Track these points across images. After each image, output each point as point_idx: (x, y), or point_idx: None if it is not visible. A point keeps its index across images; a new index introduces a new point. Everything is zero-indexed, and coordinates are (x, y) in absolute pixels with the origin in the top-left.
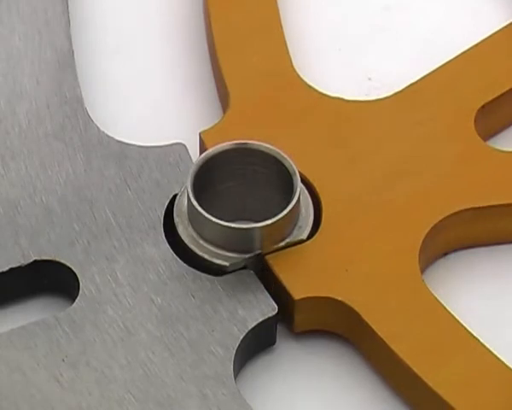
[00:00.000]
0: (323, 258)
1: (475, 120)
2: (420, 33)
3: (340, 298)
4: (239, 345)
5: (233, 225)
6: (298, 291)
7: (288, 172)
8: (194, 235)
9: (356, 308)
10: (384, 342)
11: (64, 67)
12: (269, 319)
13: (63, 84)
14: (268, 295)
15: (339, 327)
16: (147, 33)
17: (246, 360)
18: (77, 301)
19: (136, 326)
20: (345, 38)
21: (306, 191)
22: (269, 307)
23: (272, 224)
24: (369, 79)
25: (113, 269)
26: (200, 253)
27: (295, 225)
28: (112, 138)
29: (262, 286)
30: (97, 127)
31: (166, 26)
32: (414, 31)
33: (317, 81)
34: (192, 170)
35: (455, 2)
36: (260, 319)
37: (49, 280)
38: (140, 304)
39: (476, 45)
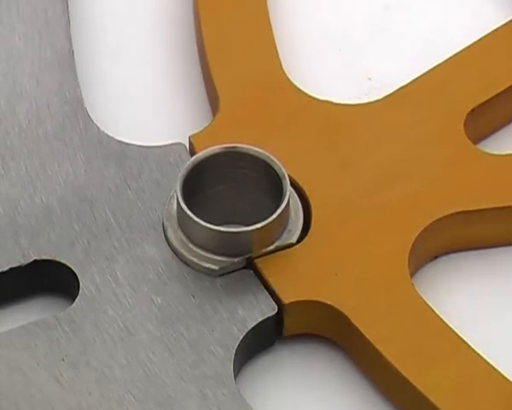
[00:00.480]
0: (313, 262)
1: (465, 124)
2: (420, 33)
3: (329, 302)
4: (239, 345)
5: (222, 228)
6: (287, 295)
7: (278, 175)
8: (184, 238)
9: (345, 312)
10: (373, 345)
11: (64, 67)
12: (268, 319)
13: (63, 84)
14: (268, 295)
15: (328, 331)
16: (146, 34)
17: (246, 360)
18: (77, 300)
19: (136, 326)
20: (345, 38)
21: (296, 195)
22: (269, 307)
23: (262, 228)
24: (369, 79)
25: (113, 269)
26: (189, 256)
27: (285, 228)
28: (112, 138)
29: (262, 286)
30: (97, 127)
31: (162, 30)
32: (414, 31)
33: (316, 81)
34: (181, 174)
35: (455, 2)
36: (260, 319)
37: (49, 280)
38: (140, 304)
39: (465, 49)
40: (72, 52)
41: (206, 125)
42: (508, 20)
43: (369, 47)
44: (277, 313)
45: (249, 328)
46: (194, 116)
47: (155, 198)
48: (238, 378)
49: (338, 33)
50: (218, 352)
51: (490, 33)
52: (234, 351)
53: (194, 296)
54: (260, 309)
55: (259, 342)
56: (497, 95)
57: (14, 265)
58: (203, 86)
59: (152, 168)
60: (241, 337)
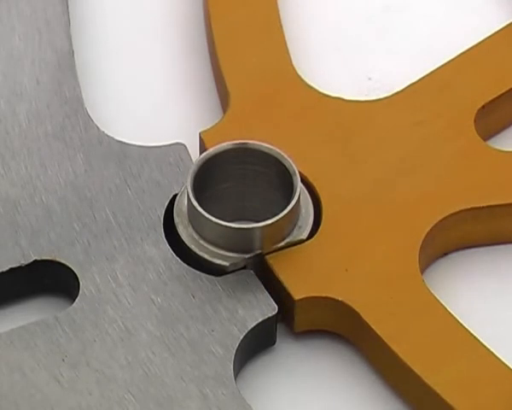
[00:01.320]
0: (323, 258)
1: (475, 120)
2: (420, 33)
3: (340, 298)
4: (239, 345)
5: (233, 225)
6: (298, 291)
7: (288, 172)
8: (195, 235)
9: (356, 308)
10: (384, 342)
11: (64, 66)
12: (269, 319)
13: (63, 84)
14: (268, 295)
15: (339, 327)
16: (147, 33)
17: (246, 360)
18: (77, 301)
19: (136, 326)
20: (345, 38)
21: (306, 191)
22: (269, 307)
23: (272, 224)
24: (369, 79)
25: (113, 269)
26: (200, 253)
27: (295, 224)
28: (112, 138)
29: (262, 286)
30: (97, 127)
31: (166, 26)
32: (414, 31)
33: (317, 81)
34: (192, 170)
35: (455, 2)
36: (260, 319)
37: (49, 280)
38: (140, 304)
39: (476, 45)
40: (72, 52)
41: (216, 121)
42: (509, 18)
43: (369, 47)
44: (288, 309)
45: (249, 328)
46: (205, 113)
47: (155, 198)
48: (238, 378)
49: (338, 33)
50: (218, 352)
51: (500, 30)
52: (234, 351)
53: (194, 296)
54: (260, 309)
55: (260, 342)
56: (508, 91)
57: (14, 265)
58: (213, 83)
59: (152, 168)
60: (242, 337)
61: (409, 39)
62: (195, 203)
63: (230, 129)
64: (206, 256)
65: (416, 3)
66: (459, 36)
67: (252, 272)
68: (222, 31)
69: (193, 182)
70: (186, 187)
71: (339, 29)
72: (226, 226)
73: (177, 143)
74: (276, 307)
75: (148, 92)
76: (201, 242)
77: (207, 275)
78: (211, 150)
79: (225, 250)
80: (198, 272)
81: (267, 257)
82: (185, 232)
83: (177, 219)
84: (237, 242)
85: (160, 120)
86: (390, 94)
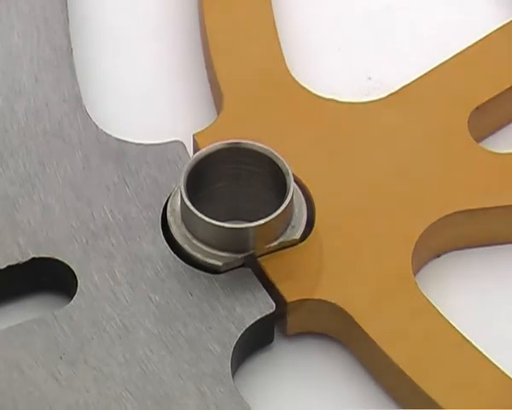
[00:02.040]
0: (316, 260)
1: (469, 122)
2: (420, 33)
3: (333, 301)
4: (236, 343)
5: (226, 224)
6: (291, 294)
7: (282, 171)
8: (188, 234)
9: (349, 311)
10: (376, 344)
11: (63, 64)
12: (266, 316)
13: (62, 81)
14: (266, 293)
15: (332, 330)
16: (144, 33)
17: (243, 358)
18: (75, 298)
19: (133, 324)
20: (345, 38)
21: (300, 191)
22: (266, 305)
23: (265, 223)
24: (369, 78)
25: (111, 267)
26: (193, 252)
27: (288, 224)
28: (110, 136)
29: (260, 284)
30: (96, 125)
31: (162, 27)
32: (414, 31)
33: (316, 81)
34: (185, 170)
35: (454, 2)
36: (258, 317)
37: (47, 278)
38: (138, 302)
39: (470, 47)
40: (70, 50)
41: (210, 123)
42: (509, 19)
43: (369, 47)
44: (281, 311)
45: (247, 326)
46: (199, 114)
47: (153, 196)
48: (236, 376)
49: (338, 33)
50: (215, 350)
51: (494, 31)
52: (232, 349)
53: (191, 294)
54: (258, 307)
55: (257, 340)
56: (502, 93)
57: (12, 263)
58: (208, 84)
59: (150, 166)
60: (239, 335)
61: (409, 39)
62: (188, 203)
63: (224, 130)
64: (199, 256)
65: (416, 3)
66: (459, 36)
67: (249, 269)
68: (216, 32)
69: (186, 181)
70: (179, 187)
71: (339, 29)
72: (219, 226)
73: (176, 141)
74: (274, 304)
75: (153, 90)
76: (194, 241)
77: (205, 273)
78: (204, 150)
79: (218, 250)
80: (196, 270)
81: (260, 259)
82: (178, 232)
83: (170, 219)
84: (230, 241)
85: (165, 119)
86: (384, 95)
